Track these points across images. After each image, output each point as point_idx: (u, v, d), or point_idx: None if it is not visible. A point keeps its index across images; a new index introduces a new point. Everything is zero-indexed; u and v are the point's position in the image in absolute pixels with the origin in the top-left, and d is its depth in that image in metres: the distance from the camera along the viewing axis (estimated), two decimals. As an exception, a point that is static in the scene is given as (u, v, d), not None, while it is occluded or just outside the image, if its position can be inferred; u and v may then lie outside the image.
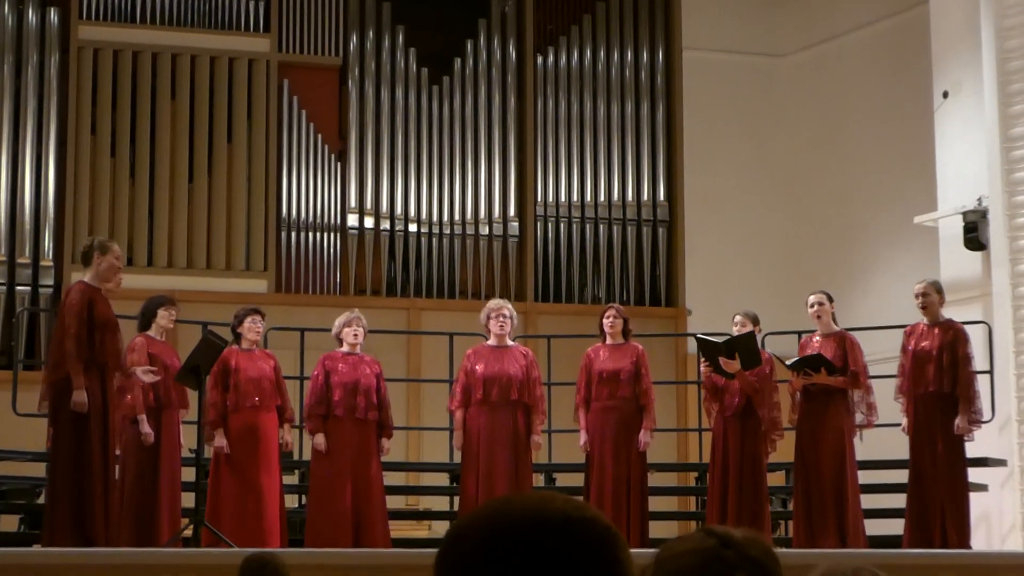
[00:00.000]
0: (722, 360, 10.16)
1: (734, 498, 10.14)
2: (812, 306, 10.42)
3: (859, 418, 10.23)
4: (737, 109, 16.06)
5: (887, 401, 10.36)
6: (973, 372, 10.24)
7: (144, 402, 9.72)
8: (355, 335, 10.40)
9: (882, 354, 11.40)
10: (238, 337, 10.32)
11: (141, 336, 9.98)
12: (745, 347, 10.12)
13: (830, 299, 10.48)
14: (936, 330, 10.26)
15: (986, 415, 10.48)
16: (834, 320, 10.50)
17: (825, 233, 15.46)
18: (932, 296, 10.32)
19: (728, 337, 10.35)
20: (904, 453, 10.40)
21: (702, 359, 10.63)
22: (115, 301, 9.32)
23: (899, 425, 10.27)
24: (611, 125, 15.80)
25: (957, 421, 10.02)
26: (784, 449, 10.55)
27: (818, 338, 10.40)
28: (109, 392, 8.98)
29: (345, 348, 10.44)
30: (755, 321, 10.46)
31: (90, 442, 8.76)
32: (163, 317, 10.06)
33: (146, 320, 10.07)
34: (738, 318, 10.47)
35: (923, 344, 10.23)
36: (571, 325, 13.94)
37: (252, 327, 10.30)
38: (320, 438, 10.22)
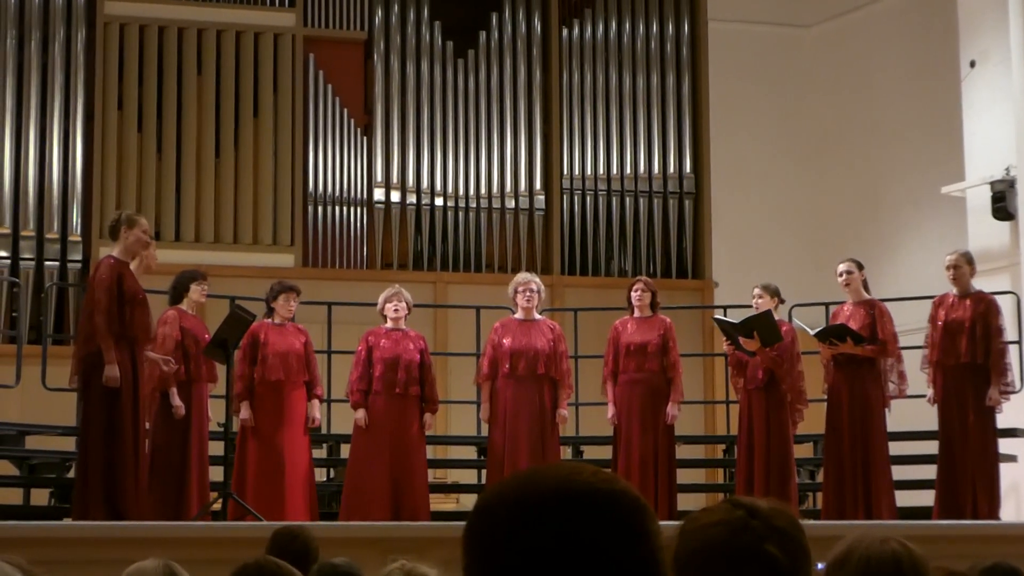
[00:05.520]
0: (742, 339, 10.14)
1: (761, 471, 10.13)
2: (840, 275, 10.39)
3: (891, 388, 10.20)
4: (763, 80, 15.98)
5: (914, 372, 10.33)
6: (1006, 344, 10.23)
7: (174, 376, 9.76)
8: (395, 310, 10.41)
9: (909, 325, 11.35)
10: (271, 311, 10.33)
11: (173, 309, 10.02)
12: (763, 325, 10.09)
13: (860, 267, 10.43)
14: (967, 301, 10.21)
15: (1016, 386, 10.46)
16: (866, 288, 10.45)
17: (852, 205, 15.39)
18: (963, 268, 10.27)
19: (745, 318, 10.31)
20: (932, 424, 10.37)
21: (724, 339, 10.62)
22: (143, 275, 9.34)
23: (925, 396, 10.24)
24: (637, 97, 15.75)
25: (990, 392, 10.00)
26: (811, 420, 10.54)
27: (849, 307, 10.38)
28: (139, 366, 9.01)
29: (388, 324, 10.46)
30: (774, 294, 10.42)
31: (121, 416, 8.79)
32: (195, 292, 10.10)
33: (177, 294, 10.09)
34: (757, 291, 10.45)
35: (954, 315, 10.18)
36: (597, 298, 13.93)
37: (286, 305, 10.29)
38: (361, 412, 10.24)
